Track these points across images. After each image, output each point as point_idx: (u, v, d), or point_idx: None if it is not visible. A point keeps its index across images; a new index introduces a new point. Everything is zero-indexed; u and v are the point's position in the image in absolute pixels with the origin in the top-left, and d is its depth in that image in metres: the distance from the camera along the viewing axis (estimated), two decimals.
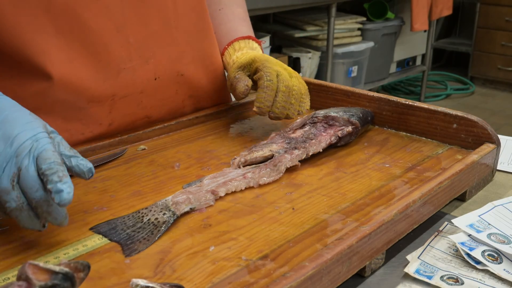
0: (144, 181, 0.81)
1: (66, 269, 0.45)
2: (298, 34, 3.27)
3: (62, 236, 0.66)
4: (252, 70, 0.97)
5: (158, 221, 0.68)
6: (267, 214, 0.73)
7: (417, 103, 0.99)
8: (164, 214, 0.69)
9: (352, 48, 3.42)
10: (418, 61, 4.32)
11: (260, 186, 0.80)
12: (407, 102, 1.00)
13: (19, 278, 0.46)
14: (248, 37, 1.07)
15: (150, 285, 0.51)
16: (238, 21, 1.10)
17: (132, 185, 0.80)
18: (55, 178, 0.58)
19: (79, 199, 0.75)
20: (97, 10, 0.85)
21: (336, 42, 3.32)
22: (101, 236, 0.67)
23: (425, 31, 4.00)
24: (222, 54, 1.07)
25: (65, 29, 0.84)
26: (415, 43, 4.16)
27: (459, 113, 0.94)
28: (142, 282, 0.51)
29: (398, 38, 3.91)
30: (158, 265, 0.62)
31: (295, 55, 3.19)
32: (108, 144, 0.91)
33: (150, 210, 0.70)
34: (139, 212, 0.70)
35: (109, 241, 0.66)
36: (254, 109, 0.93)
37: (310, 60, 3.23)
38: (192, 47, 1.01)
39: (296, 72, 1.00)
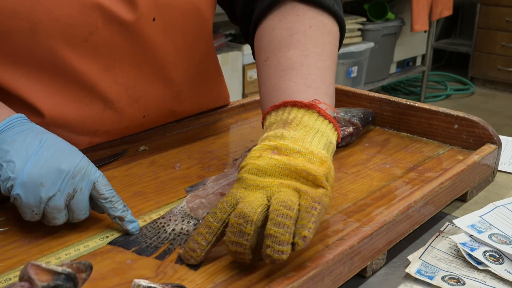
0: (145, 181, 0.81)
1: (69, 270, 0.45)
2: None
3: (64, 237, 0.66)
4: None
5: (187, 231, 0.67)
6: None
7: (418, 104, 0.99)
8: (188, 222, 0.69)
9: (352, 48, 3.43)
10: (418, 62, 4.32)
11: None
12: (408, 103, 1.00)
13: (21, 278, 0.46)
14: (310, 105, 0.64)
15: (152, 285, 0.51)
16: (282, 73, 0.70)
17: (133, 186, 0.79)
18: (121, 206, 0.66)
19: None
20: (83, 51, 0.77)
21: None
22: (102, 236, 0.67)
23: (425, 31, 4.00)
24: (263, 119, 0.71)
25: (48, 67, 0.77)
26: (415, 43, 4.17)
27: (460, 114, 0.94)
28: (144, 282, 0.51)
29: (398, 38, 3.91)
30: (159, 265, 0.62)
31: None
32: (108, 145, 0.91)
33: (170, 219, 0.69)
34: (156, 222, 0.69)
35: (110, 241, 0.66)
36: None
37: None
38: (191, 86, 0.93)
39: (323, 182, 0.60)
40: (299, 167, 0.59)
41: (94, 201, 0.66)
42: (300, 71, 0.70)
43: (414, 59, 4.28)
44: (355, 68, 3.48)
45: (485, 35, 4.60)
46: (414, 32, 3.73)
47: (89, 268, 0.48)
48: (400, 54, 4.04)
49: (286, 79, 0.70)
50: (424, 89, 4.25)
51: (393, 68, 4.04)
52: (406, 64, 4.19)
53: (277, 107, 0.67)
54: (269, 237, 0.55)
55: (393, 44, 3.84)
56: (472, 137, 0.93)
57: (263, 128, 0.70)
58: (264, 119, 0.70)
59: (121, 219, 0.66)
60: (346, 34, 3.40)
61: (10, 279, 0.58)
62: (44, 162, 0.63)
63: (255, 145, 0.88)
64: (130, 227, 0.66)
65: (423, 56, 4.26)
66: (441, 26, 4.98)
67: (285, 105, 0.66)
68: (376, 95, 1.04)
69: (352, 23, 3.47)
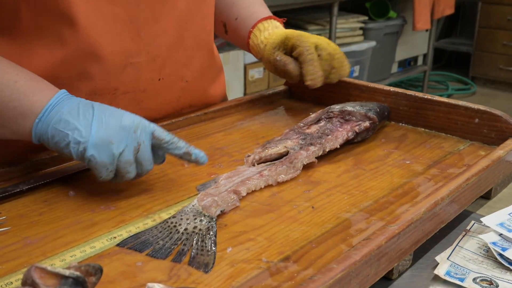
0: (152, 179, 0.77)
1: (77, 273, 0.40)
2: None
3: (68, 237, 0.62)
4: (288, 47, 0.98)
5: (200, 229, 0.63)
6: (285, 213, 0.68)
7: (436, 97, 0.95)
8: (201, 221, 0.65)
9: (354, 47, 3.38)
10: (420, 61, 4.28)
11: (277, 184, 0.75)
12: (425, 97, 0.96)
13: (24, 283, 0.42)
14: (270, 17, 1.05)
15: None
16: (256, 4, 1.08)
17: (140, 184, 0.75)
18: (183, 144, 0.71)
19: (84, 198, 0.71)
20: None
21: (338, 41, 3.27)
22: (110, 237, 0.62)
23: (426, 30, 3.97)
24: (248, 38, 1.04)
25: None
26: (416, 42, 4.12)
27: (482, 107, 0.90)
28: (158, 286, 0.46)
29: (400, 37, 3.87)
30: (172, 268, 0.57)
31: None
32: None
33: (181, 219, 0.65)
34: (167, 222, 0.65)
35: (118, 243, 0.61)
36: (308, 83, 0.96)
37: None
38: (201, 54, 0.97)
39: (331, 42, 1.01)
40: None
41: (156, 149, 0.71)
42: (263, 4, 1.09)
43: (415, 59, 4.23)
44: (357, 68, 3.43)
45: (486, 34, 4.56)
46: (416, 31, 3.69)
47: (99, 271, 0.43)
48: (401, 53, 3.99)
49: (261, 7, 1.07)
50: (425, 89, 4.21)
51: (394, 68, 3.99)
52: (407, 64, 4.15)
53: (266, 19, 1.04)
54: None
55: (394, 43, 3.80)
56: (494, 131, 0.89)
57: (250, 38, 1.03)
58: (253, 27, 1.03)
59: (188, 154, 0.70)
60: (348, 33, 3.38)
61: (12, 283, 0.54)
62: (106, 123, 0.68)
63: (268, 142, 0.84)
64: (199, 157, 0.71)
65: (425, 56, 4.22)
66: (442, 25, 4.94)
67: (270, 18, 1.05)
68: (392, 89, 1.00)
69: (354, 22, 3.43)
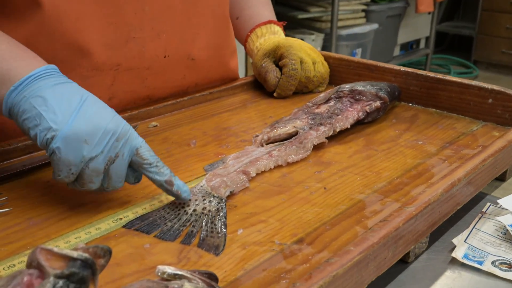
0: None
1: (86, 255, 0.38)
2: (301, 16, 3.18)
3: (73, 219, 0.60)
4: (277, 56, 1.00)
5: (209, 211, 0.61)
6: (297, 194, 0.66)
7: (448, 77, 0.92)
8: (210, 202, 0.62)
9: (356, 30, 3.34)
10: (422, 44, 4.24)
11: (287, 165, 0.73)
12: (437, 76, 0.93)
13: (29, 265, 0.39)
14: (269, 22, 1.05)
15: (179, 272, 0.44)
16: (260, 5, 1.08)
17: None
18: (168, 171, 0.60)
19: None
20: None
21: (340, 23, 3.23)
22: (115, 218, 0.60)
23: (429, 13, 3.92)
24: (246, 42, 1.06)
25: None
26: (419, 25, 4.08)
27: (496, 87, 0.88)
28: (169, 269, 0.44)
29: (403, 20, 3.82)
30: (181, 250, 0.55)
31: (298, 37, 3.10)
32: None
33: (189, 200, 0.62)
34: (174, 203, 0.62)
35: (124, 224, 0.59)
36: (275, 94, 0.99)
37: (313, 42, 3.14)
38: (207, 32, 0.94)
39: (320, 55, 1.02)
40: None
41: (135, 168, 0.61)
42: (268, 3, 1.10)
43: (418, 42, 4.18)
44: (359, 50, 3.39)
45: (489, 17, 4.51)
46: (418, 13, 3.64)
47: (108, 253, 0.41)
48: (404, 36, 3.94)
49: (264, 9, 1.08)
50: None
51: (396, 51, 3.95)
52: (410, 47, 4.10)
53: (265, 24, 1.05)
54: None
55: (397, 26, 3.75)
56: (508, 112, 0.86)
57: (247, 42, 1.05)
58: (251, 32, 1.04)
59: (170, 183, 0.60)
60: (350, 15, 3.34)
61: (14, 265, 0.52)
62: (90, 118, 0.58)
63: (276, 121, 0.81)
64: (182, 190, 0.60)
65: (427, 39, 4.18)
66: (444, 8, 4.89)
67: (270, 22, 1.06)
68: (402, 68, 0.97)
69: (356, 4, 3.38)
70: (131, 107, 0.88)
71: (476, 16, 4.60)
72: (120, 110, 0.85)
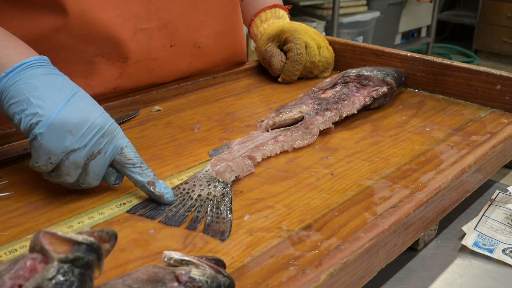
0: (162, 144, 0.73)
1: (91, 239, 0.37)
2: (303, 3, 3.16)
3: (75, 203, 0.58)
4: (281, 40, 0.98)
5: (215, 196, 0.59)
6: (303, 180, 0.65)
7: (456, 63, 0.91)
8: (215, 187, 0.61)
9: (357, 17, 3.32)
10: (423, 33, 4.21)
11: (293, 150, 0.72)
12: (444, 62, 0.91)
13: (32, 249, 0.38)
14: (274, 6, 1.04)
15: (186, 258, 0.43)
16: None
17: (149, 148, 0.71)
18: (151, 173, 0.58)
19: None
20: None
21: (341, 11, 3.20)
22: (119, 203, 0.59)
23: (431, 1, 3.89)
24: (250, 26, 1.05)
25: None
26: (420, 14, 4.05)
27: (504, 73, 0.86)
28: (176, 255, 0.43)
29: (404, 8, 3.80)
30: (187, 236, 0.54)
31: None
32: (119, 104, 0.82)
33: (194, 185, 0.61)
34: (179, 188, 0.61)
35: (128, 209, 0.58)
36: (280, 79, 0.97)
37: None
38: (214, 19, 0.93)
39: (324, 40, 1.00)
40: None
41: (118, 168, 0.59)
42: None
43: (419, 30, 4.16)
44: (360, 38, 3.37)
45: (490, 6, 4.48)
46: (420, 2, 3.61)
47: (114, 237, 0.40)
48: (405, 24, 3.92)
49: None
50: None
51: (398, 39, 3.93)
52: (411, 35, 4.08)
53: (269, 8, 1.03)
54: None
55: (398, 14, 3.73)
56: None
57: (251, 27, 1.05)
58: (255, 16, 1.04)
59: (152, 184, 0.58)
60: (351, 3, 3.31)
61: (16, 250, 0.50)
62: (78, 110, 0.56)
63: (282, 106, 0.80)
64: (164, 192, 0.58)
65: (428, 27, 4.15)
66: None
67: (275, 6, 1.04)
68: (409, 53, 0.95)
69: None
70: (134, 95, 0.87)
71: (478, 5, 4.57)
72: (122, 97, 0.85)
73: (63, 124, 0.55)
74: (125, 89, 0.86)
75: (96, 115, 0.56)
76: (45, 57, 0.60)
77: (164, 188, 0.58)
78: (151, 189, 0.58)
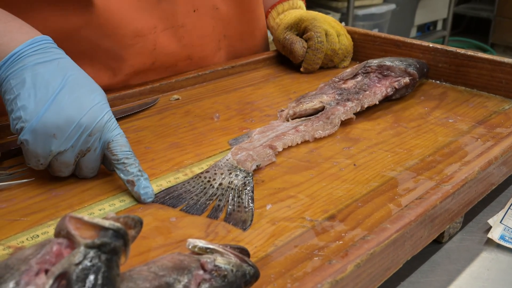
0: (181, 132, 0.72)
1: (118, 224, 0.36)
2: None
3: (96, 190, 0.58)
4: (300, 29, 0.97)
5: (236, 185, 0.59)
6: (326, 170, 0.64)
7: (479, 54, 0.89)
8: (236, 175, 0.60)
9: (373, 10, 3.28)
10: (439, 26, 4.16)
11: (314, 140, 0.71)
12: (467, 53, 0.90)
13: (58, 234, 0.38)
14: None
15: (211, 246, 0.42)
16: None
17: (168, 137, 0.71)
18: (134, 170, 0.56)
19: None
20: None
21: (357, 3, 3.18)
22: None
23: None
24: (266, 17, 1.04)
25: None
26: (436, 7, 4.00)
27: None
28: (201, 243, 0.42)
29: (420, 1, 3.76)
30: (209, 224, 0.53)
31: None
32: (138, 93, 0.82)
33: (215, 173, 0.60)
34: (200, 177, 0.60)
35: None
36: (302, 69, 0.96)
37: None
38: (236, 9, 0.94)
39: (343, 28, 0.99)
40: None
41: (108, 160, 0.58)
42: None
43: (435, 23, 4.11)
44: (375, 31, 3.33)
45: None
46: None
47: (139, 223, 0.39)
48: (421, 17, 3.88)
49: None
50: None
51: (413, 32, 3.89)
52: (427, 28, 4.03)
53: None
54: None
55: (414, 7, 3.69)
56: None
57: (268, 18, 1.04)
58: (272, 8, 1.03)
59: (131, 183, 0.56)
60: None
61: (38, 236, 0.50)
62: (63, 109, 0.54)
63: (302, 96, 0.79)
64: (142, 193, 0.55)
65: (444, 21, 4.10)
66: None
67: None
68: (431, 44, 0.94)
69: None
70: (172, 72, 0.89)
71: None
72: (161, 73, 0.87)
73: (46, 129, 0.54)
74: (163, 63, 0.86)
75: (82, 113, 0.55)
76: (41, 37, 0.58)
77: (142, 189, 0.56)
78: (130, 188, 0.56)
